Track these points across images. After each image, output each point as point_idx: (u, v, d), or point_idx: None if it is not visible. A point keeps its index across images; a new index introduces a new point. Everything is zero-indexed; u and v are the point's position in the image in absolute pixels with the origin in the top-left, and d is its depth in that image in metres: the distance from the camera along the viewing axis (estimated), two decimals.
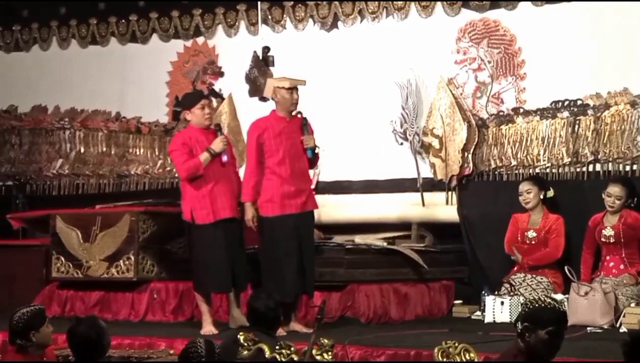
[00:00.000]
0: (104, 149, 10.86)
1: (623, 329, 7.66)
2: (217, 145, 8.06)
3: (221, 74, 10.45)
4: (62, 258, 9.12)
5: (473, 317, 8.61)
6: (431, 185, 9.50)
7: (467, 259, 9.22)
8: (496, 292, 8.45)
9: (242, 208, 8.08)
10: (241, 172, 8.38)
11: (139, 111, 10.70)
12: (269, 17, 10.19)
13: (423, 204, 9.51)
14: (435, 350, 4.80)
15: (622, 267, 8.26)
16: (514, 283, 8.46)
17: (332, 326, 7.80)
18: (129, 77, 10.85)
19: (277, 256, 7.87)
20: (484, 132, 9.28)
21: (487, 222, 9.12)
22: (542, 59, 9.12)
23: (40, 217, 9.56)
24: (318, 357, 5.22)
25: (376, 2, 9.77)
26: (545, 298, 4.75)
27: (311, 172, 9.92)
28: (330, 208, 9.87)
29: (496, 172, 9.27)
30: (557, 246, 8.57)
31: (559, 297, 7.73)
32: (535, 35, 9.18)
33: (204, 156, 8.02)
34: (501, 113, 9.26)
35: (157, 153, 10.65)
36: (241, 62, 9.77)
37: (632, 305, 7.92)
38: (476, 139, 9.25)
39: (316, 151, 8.15)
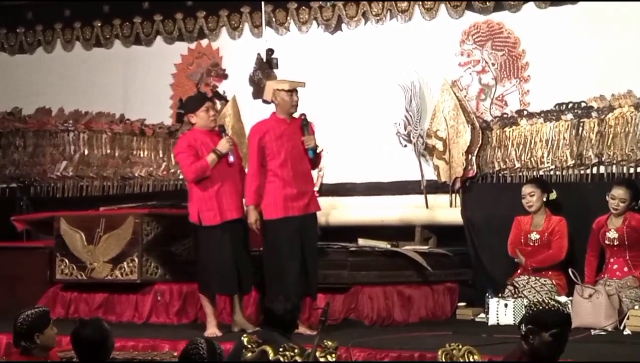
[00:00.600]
0: (108, 151, 10.87)
1: (627, 332, 7.67)
2: (223, 145, 8.07)
3: (225, 76, 10.45)
4: (66, 260, 9.12)
5: (477, 319, 8.61)
6: (435, 187, 9.50)
7: (470, 261, 9.22)
8: (500, 294, 8.44)
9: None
10: None
11: (143, 113, 10.71)
12: (273, 19, 10.19)
13: (427, 206, 9.51)
14: (439, 353, 4.80)
15: (626, 269, 8.26)
16: (517, 286, 8.46)
17: (336, 328, 7.80)
18: (133, 80, 10.86)
19: (280, 258, 7.87)
20: (488, 135, 9.28)
21: (490, 224, 9.12)
22: (546, 61, 9.12)
23: (44, 219, 9.57)
24: (322, 359, 5.23)
25: (380, 5, 9.77)
26: (549, 301, 4.75)
27: (315, 174, 9.97)
28: (334, 211, 9.87)
29: (500, 175, 9.26)
30: (561, 248, 8.57)
31: (562, 299, 7.71)
32: (539, 37, 9.18)
33: (210, 157, 8.04)
34: (505, 115, 9.26)
35: (161, 155, 10.66)
36: (245, 65, 9.78)
37: (636, 307, 7.92)
38: (480, 141, 9.25)
39: (318, 151, 8.15)
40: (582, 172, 8.90)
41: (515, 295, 8.38)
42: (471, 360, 4.79)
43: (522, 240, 8.69)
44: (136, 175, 10.72)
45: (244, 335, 5.53)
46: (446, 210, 9.43)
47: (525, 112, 9.16)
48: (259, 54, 9.64)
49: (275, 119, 8.05)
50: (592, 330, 7.67)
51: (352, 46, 9.92)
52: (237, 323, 8.08)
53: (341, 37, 10.00)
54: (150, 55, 10.80)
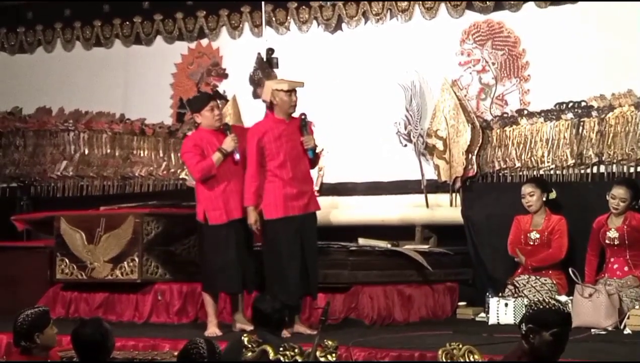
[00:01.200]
0: (108, 151, 10.87)
1: (627, 331, 7.66)
2: (229, 144, 8.08)
3: (225, 76, 10.46)
4: (67, 260, 9.12)
5: (477, 319, 8.61)
6: (435, 186, 9.51)
7: (471, 261, 9.22)
8: (500, 294, 8.44)
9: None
10: None
11: (143, 113, 10.71)
12: (273, 18, 10.19)
13: (427, 206, 9.51)
14: (439, 352, 4.80)
15: (626, 268, 8.26)
16: (518, 285, 8.46)
17: (336, 327, 7.81)
18: (133, 79, 10.87)
19: (280, 258, 7.88)
20: (488, 134, 9.28)
21: (491, 223, 9.12)
22: (546, 60, 9.12)
23: (45, 218, 9.57)
24: (322, 359, 5.23)
25: (380, 4, 9.77)
26: (550, 300, 4.74)
27: (315, 173, 9.97)
28: (334, 210, 9.87)
29: (500, 174, 9.26)
30: (561, 247, 8.57)
31: (563, 298, 7.73)
32: (540, 36, 9.18)
33: (216, 156, 8.05)
34: (505, 115, 9.26)
35: (161, 155, 10.66)
36: (245, 64, 9.77)
37: (637, 307, 7.92)
38: (480, 141, 9.25)
39: (317, 151, 8.15)
40: (582, 171, 8.90)
41: (516, 295, 8.38)
42: (471, 359, 4.80)
43: (522, 240, 8.69)
44: (136, 174, 10.72)
45: (244, 335, 5.53)
46: (446, 209, 9.43)
47: (525, 112, 9.16)
48: (259, 54, 9.63)
49: (274, 119, 8.05)
50: (592, 330, 7.67)
51: (353, 46, 9.92)
52: (238, 322, 8.08)
53: (341, 37, 10.01)
54: (151, 55, 10.80)
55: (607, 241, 8.31)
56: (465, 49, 9.47)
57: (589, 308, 7.85)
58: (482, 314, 8.56)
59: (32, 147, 11.18)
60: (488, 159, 9.28)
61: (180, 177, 10.39)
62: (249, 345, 5.34)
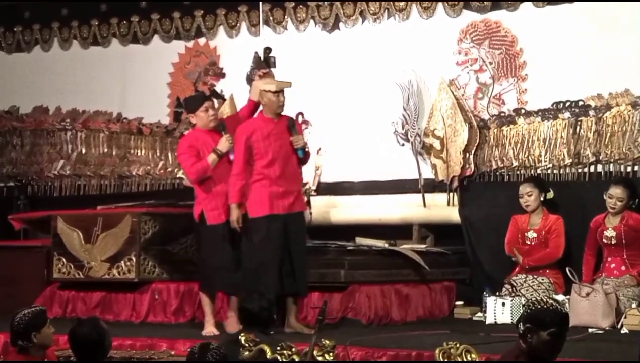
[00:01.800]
0: (106, 150, 10.87)
1: (624, 330, 7.67)
2: (224, 144, 8.08)
3: (222, 75, 10.45)
4: (64, 259, 9.12)
5: (474, 318, 8.61)
6: (432, 186, 9.51)
7: (468, 260, 9.22)
8: (497, 293, 8.45)
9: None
10: None
11: (140, 112, 10.70)
12: (271, 18, 10.19)
13: (424, 205, 9.51)
14: (437, 351, 4.81)
15: (623, 268, 8.26)
16: (515, 284, 8.46)
17: (334, 327, 7.80)
18: (130, 78, 10.86)
19: (263, 256, 7.85)
20: (486, 133, 9.28)
21: (488, 223, 9.12)
22: (544, 60, 9.12)
23: (42, 218, 9.56)
24: (319, 358, 5.22)
25: (377, 3, 9.77)
26: (547, 300, 4.74)
27: (312, 172, 9.97)
28: (331, 209, 9.87)
29: (497, 173, 9.26)
30: (558, 246, 8.57)
31: (560, 298, 7.73)
32: (537, 36, 9.18)
33: (211, 158, 8.05)
34: (502, 114, 9.26)
35: (158, 154, 10.65)
36: (242, 63, 9.76)
37: (634, 306, 7.92)
38: (477, 140, 9.26)
39: (307, 150, 8.14)
40: (579, 170, 8.90)
41: (513, 294, 8.38)
42: (469, 359, 4.80)
43: (520, 239, 8.69)
44: (134, 174, 10.71)
45: (242, 334, 5.53)
46: (444, 209, 9.43)
47: (522, 111, 9.16)
48: (256, 53, 9.61)
49: (263, 118, 8.04)
50: (589, 329, 7.67)
51: (350, 45, 9.92)
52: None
53: (339, 36, 10.00)
54: (148, 54, 10.79)
55: (604, 240, 8.32)
56: (462, 48, 9.47)
57: (587, 307, 7.85)
58: (480, 313, 8.56)
59: (29, 146, 11.17)
60: (485, 158, 9.28)
61: (178, 176, 10.39)
62: (246, 345, 5.35)
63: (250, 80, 9.42)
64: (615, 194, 8.28)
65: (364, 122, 9.78)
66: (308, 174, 10.00)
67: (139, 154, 10.72)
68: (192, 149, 8.13)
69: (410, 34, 9.64)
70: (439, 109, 9.38)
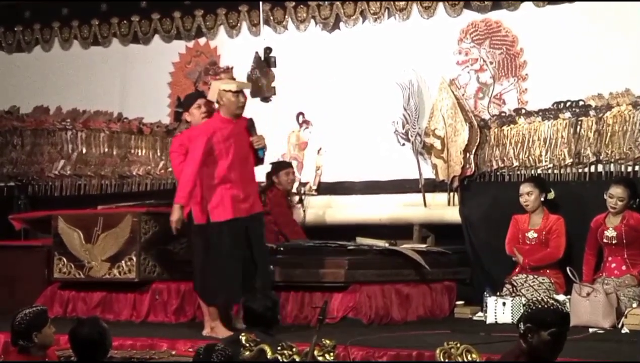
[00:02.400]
0: (106, 150, 10.87)
1: (625, 330, 7.67)
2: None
3: (229, 73, 10.44)
4: (64, 259, 9.12)
5: (475, 318, 8.61)
6: (433, 186, 9.51)
7: (469, 260, 9.22)
8: (498, 293, 8.44)
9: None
10: None
11: (141, 112, 10.70)
12: (271, 17, 10.19)
13: (425, 205, 9.51)
14: (437, 351, 4.81)
15: (624, 268, 8.26)
16: (515, 284, 8.46)
17: (334, 327, 7.80)
18: (130, 78, 10.86)
19: (223, 259, 7.79)
20: (486, 133, 9.28)
21: (489, 222, 9.12)
22: (544, 59, 9.12)
23: (42, 217, 9.56)
24: (320, 358, 5.23)
25: (378, 3, 9.77)
26: (548, 299, 4.75)
27: (313, 172, 9.98)
28: (332, 209, 9.88)
29: (498, 173, 9.26)
30: (558, 246, 8.57)
31: (561, 297, 7.72)
32: (537, 36, 9.18)
33: None
34: (503, 114, 9.26)
35: (159, 154, 10.65)
36: (243, 63, 9.77)
37: (634, 305, 7.92)
38: (478, 140, 9.25)
39: (266, 150, 8.07)
40: (580, 170, 8.90)
41: (514, 294, 8.38)
42: (469, 358, 4.80)
43: (520, 239, 8.69)
44: (134, 173, 10.72)
45: (242, 334, 5.53)
46: (444, 208, 9.43)
47: (523, 111, 9.16)
48: (257, 53, 9.63)
49: (221, 119, 7.92)
50: (590, 329, 7.67)
51: (350, 45, 9.92)
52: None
53: (339, 36, 10.00)
54: (148, 54, 10.79)
55: (604, 240, 8.32)
56: (463, 48, 9.47)
57: (587, 307, 7.85)
58: (480, 313, 8.56)
59: (29, 146, 11.17)
60: (486, 158, 9.27)
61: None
62: (247, 345, 5.35)
63: (250, 80, 9.44)
64: (615, 194, 8.28)
65: (364, 122, 9.78)
66: (308, 173, 10.03)
67: (139, 153, 10.72)
68: (181, 148, 8.12)
69: (411, 34, 9.64)
70: (440, 109, 9.38)
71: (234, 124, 7.91)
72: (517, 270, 8.62)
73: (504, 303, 8.25)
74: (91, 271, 9.01)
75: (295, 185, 9.83)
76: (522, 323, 4.66)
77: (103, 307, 9.01)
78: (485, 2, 9.34)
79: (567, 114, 8.93)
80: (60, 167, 10.99)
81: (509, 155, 9.17)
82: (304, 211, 9.82)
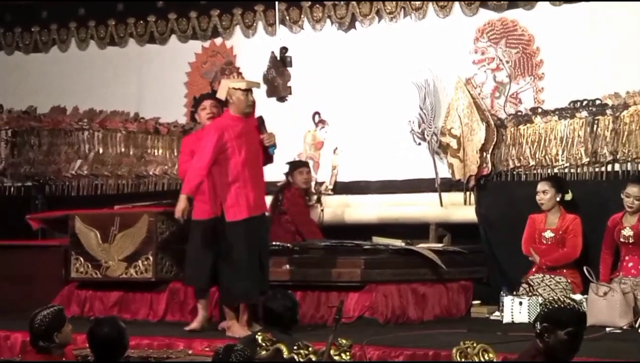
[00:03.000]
0: (123, 150, 10.89)
1: None
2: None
3: (239, 75, 10.46)
4: (81, 259, 9.14)
5: (491, 317, 8.60)
6: (449, 185, 9.50)
7: (485, 259, 9.21)
8: (515, 292, 8.43)
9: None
10: None
11: (157, 112, 10.73)
12: (287, 17, 10.20)
13: (441, 204, 9.51)
14: (454, 351, 4.81)
15: None
16: (532, 284, 8.45)
17: (350, 326, 7.80)
18: (147, 78, 10.88)
19: (244, 259, 7.82)
20: (502, 132, 9.27)
21: (505, 222, 9.11)
22: (561, 58, 9.10)
23: (59, 217, 9.59)
24: (336, 357, 5.23)
25: (394, 3, 9.76)
26: (565, 299, 4.74)
27: (329, 172, 9.98)
28: (348, 209, 9.88)
29: (514, 172, 9.25)
30: (575, 246, 8.55)
31: (577, 297, 7.71)
32: (554, 35, 9.16)
33: None
34: (519, 113, 9.24)
35: (175, 154, 10.65)
36: (259, 63, 9.77)
37: None
38: (494, 139, 9.24)
39: (276, 148, 8.08)
40: (596, 169, 8.88)
41: (530, 293, 8.37)
42: (486, 358, 4.80)
43: (536, 239, 8.67)
44: (150, 173, 10.74)
45: (258, 333, 5.54)
46: (460, 208, 9.43)
47: (539, 110, 9.14)
48: (272, 52, 9.63)
49: (231, 117, 7.94)
50: (607, 328, 7.65)
51: (366, 44, 9.92)
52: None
53: (355, 35, 10.00)
54: (165, 54, 10.82)
55: (621, 239, 8.30)
56: (479, 47, 9.46)
57: (604, 306, 7.83)
58: (497, 313, 8.55)
59: (46, 146, 11.21)
60: (502, 158, 9.26)
61: None
62: (263, 344, 5.36)
63: (266, 80, 9.45)
64: (632, 193, 8.26)
65: (380, 122, 9.78)
66: (324, 173, 10.04)
67: (156, 153, 10.74)
68: (186, 148, 8.27)
69: (427, 33, 9.63)
70: (456, 108, 9.37)
71: (245, 122, 7.94)
72: (533, 269, 8.61)
73: (520, 303, 8.24)
74: (108, 271, 9.03)
75: (312, 184, 9.84)
76: (538, 322, 4.65)
77: (120, 306, 9.04)
78: (502, 1, 9.33)
79: (584, 113, 8.91)
80: (77, 167, 11.02)
81: (525, 154, 9.15)
82: (322, 211, 9.83)
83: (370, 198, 9.86)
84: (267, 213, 8.32)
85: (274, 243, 8.64)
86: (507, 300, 8.31)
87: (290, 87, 9.43)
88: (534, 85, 9.24)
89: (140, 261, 8.87)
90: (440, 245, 9.24)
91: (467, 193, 9.38)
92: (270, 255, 8.26)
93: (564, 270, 8.52)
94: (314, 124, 10.13)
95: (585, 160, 8.87)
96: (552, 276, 8.47)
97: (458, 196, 9.45)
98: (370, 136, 9.83)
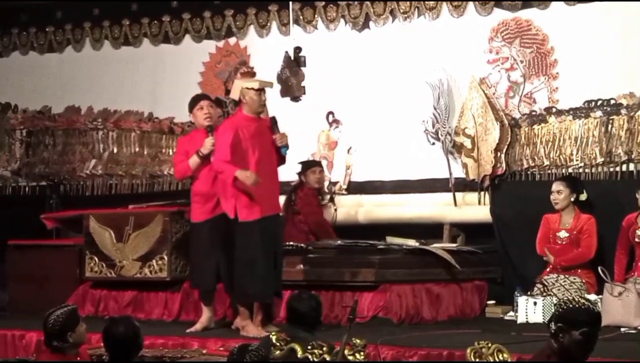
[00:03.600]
0: (137, 150, 10.91)
1: None
2: (205, 147, 8.11)
3: (253, 75, 10.45)
4: (96, 258, 9.17)
5: (506, 318, 8.59)
6: (463, 185, 9.49)
7: (499, 259, 9.20)
8: (529, 292, 8.42)
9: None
10: None
11: (171, 112, 10.73)
12: (301, 17, 10.20)
13: (455, 204, 9.50)
14: (468, 351, 4.80)
15: None
16: (547, 284, 8.43)
17: (364, 326, 7.80)
18: (161, 78, 10.90)
19: (258, 259, 7.82)
20: (517, 132, 9.25)
21: (519, 222, 9.09)
22: (575, 58, 9.08)
23: (74, 217, 9.62)
24: (350, 357, 5.23)
25: (408, 2, 9.75)
26: (579, 299, 4.73)
27: (343, 171, 9.98)
28: (362, 209, 9.87)
29: (529, 172, 9.24)
30: (590, 246, 8.53)
31: (592, 297, 7.69)
32: (568, 34, 9.14)
33: (192, 159, 8.16)
34: (534, 113, 9.23)
35: None
36: (273, 63, 9.78)
37: None
38: (509, 139, 9.23)
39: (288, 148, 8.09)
40: (611, 169, 8.85)
41: (545, 293, 8.35)
42: (500, 358, 4.79)
43: (551, 239, 8.66)
44: (165, 173, 10.75)
45: (272, 333, 5.55)
46: (475, 208, 9.42)
47: (554, 110, 9.12)
48: (286, 52, 9.63)
49: (244, 117, 7.95)
50: (622, 329, 7.63)
51: (380, 44, 9.91)
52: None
53: (369, 35, 10.00)
54: (179, 54, 10.83)
55: (636, 239, 8.28)
56: (493, 46, 9.44)
57: (619, 307, 7.82)
58: (511, 313, 8.54)
59: (61, 146, 11.23)
60: (516, 157, 9.25)
61: None
62: (277, 344, 5.36)
63: (280, 79, 9.45)
64: None
65: (394, 121, 9.78)
66: (338, 173, 10.04)
67: (170, 153, 10.74)
68: (181, 148, 8.35)
69: (441, 33, 9.62)
70: (470, 108, 9.36)
71: (258, 122, 7.95)
72: (548, 269, 8.60)
73: (535, 303, 8.23)
74: (122, 270, 9.05)
75: (325, 184, 9.84)
76: (553, 322, 4.65)
77: (134, 306, 9.06)
78: (516, 0, 9.31)
79: (598, 113, 8.89)
80: (91, 166, 11.05)
81: (539, 154, 9.13)
82: (335, 210, 9.83)
83: (384, 198, 9.85)
84: (281, 214, 8.33)
85: (288, 243, 8.64)
86: (522, 300, 8.30)
87: (304, 87, 9.43)
88: (548, 84, 9.22)
89: (154, 261, 8.89)
90: (454, 245, 9.23)
91: (482, 193, 9.38)
92: (284, 255, 8.26)
93: (579, 270, 8.51)
94: (327, 123, 10.13)
95: (599, 160, 8.85)
96: (567, 276, 8.46)
97: (472, 196, 9.44)
98: (384, 136, 9.82)
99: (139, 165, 10.88)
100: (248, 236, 7.82)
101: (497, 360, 4.78)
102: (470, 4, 9.50)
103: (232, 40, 10.63)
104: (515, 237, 9.13)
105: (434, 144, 9.58)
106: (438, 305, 8.61)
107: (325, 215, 9.71)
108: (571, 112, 9.02)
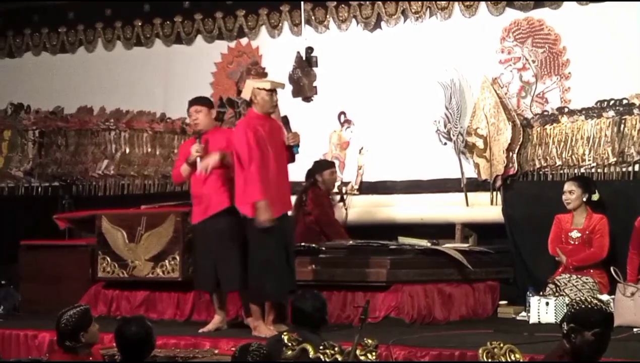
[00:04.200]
0: (149, 150, 10.94)
1: None
2: (192, 154, 8.16)
3: (265, 75, 10.47)
4: (108, 259, 9.18)
5: (518, 318, 8.58)
6: (475, 185, 9.48)
7: (512, 259, 9.18)
8: (541, 293, 8.41)
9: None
10: None
11: (183, 112, 10.61)
12: (312, 17, 10.21)
13: (467, 204, 9.49)
14: (480, 351, 4.80)
15: None
16: (559, 284, 8.42)
17: (376, 326, 7.80)
18: (173, 78, 10.92)
19: (272, 258, 7.84)
20: (529, 132, 9.24)
21: (532, 222, 9.08)
22: (587, 58, 9.07)
23: (86, 217, 9.63)
24: (362, 357, 5.23)
25: (419, 2, 9.75)
26: (591, 299, 4.72)
27: (354, 172, 9.98)
28: (374, 209, 9.87)
29: (541, 172, 9.22)
30: (602, 246, 8.51)
31: (604, 297, 7.68)
32: (580, 34, 9.13)
33: (183, 166, 8.26)
34: (546, 113, 9.22)
35: None
36: (285, 63, 9.80)
37: None
38: (521, 139, 9.22)
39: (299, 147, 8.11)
40: (623, 169, 8.84)
41: (557, 294, 8.34)
42: (512, 358, 4.79)
43: (563, 239, 8.65)
44: None
45: (284, 333, 5.55)
46: (487, 208, 9.41)
47: (566, 110, 9.11)
48: (298, 52, 9.65)
49: (257, 116, 7.97)
50: (634, 329, 7.61)
51: (392, 44, 9.91)
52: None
53: (380, 35, 10.00)
54: (191, 54, 10.85)
55: None
56: (505, 46, 9.43)
57: (631, 307, 7.80)
58: (523, 313, 8.52)
59: (73, 146, 11.27)
60: (529, 157, 9.24)
61: None
62: (289, 344, 5.36)
63: (292, 80, 9.47)
64: None
65: (406, 121, 9.77)
66: (350, 173, 10.04)
67: None
68: (180, 153, 8.55)
69: (453, 33, 9.62)
70: (482, 108, 9.35)
71: (270, 122, 7.97)
72: (560, 269, 8.58)
73: (547, 303, 8.21)
74: (135, 270, 9.06)
75: (337, 184, 9.85)
76: (565, 323, 4.64)
77: (147, 306, 9.07)
78: (528, 0, 9.30)
79: (611, 113, 8.88)
80: (103, 167, 11.08)
81: (551, 154, 9.12)
82: (346, 210, 9.84)
83: (396, 198, 9.85)
84: (290, 213, 8.34)
85: (299, 243, 8.64)
86: (534, 301, 8.29)
87: (315, 87, 9.45)
88: (560, 84, 9.21)
89: (167, 261, 8.89)
90: (466, 245, 9.22)
91: (494, 193, 9.37)
92: (296, 255, 8.27)
93: (591, 271, 8.49)
94: (339, 123, 10.13)
95: (612, 160, 8.84)
96: (579, 276, 8.44)
97: (484, 196, 9.43)
98: (396, 136, 9.82)
99: (151, 166, 10.90)
100: (261, 236, 7.82)
101: (509, 360, 4.77)
102: (482, 4, 9.50)
103: (244, 41, 10.65)
104: (527, 237, 9.11)
105: (445, 144, 9.58)
106: (450, 306, 8.60)
107: (336, 216, 9.71)
108: (583, 112, 9.01)
